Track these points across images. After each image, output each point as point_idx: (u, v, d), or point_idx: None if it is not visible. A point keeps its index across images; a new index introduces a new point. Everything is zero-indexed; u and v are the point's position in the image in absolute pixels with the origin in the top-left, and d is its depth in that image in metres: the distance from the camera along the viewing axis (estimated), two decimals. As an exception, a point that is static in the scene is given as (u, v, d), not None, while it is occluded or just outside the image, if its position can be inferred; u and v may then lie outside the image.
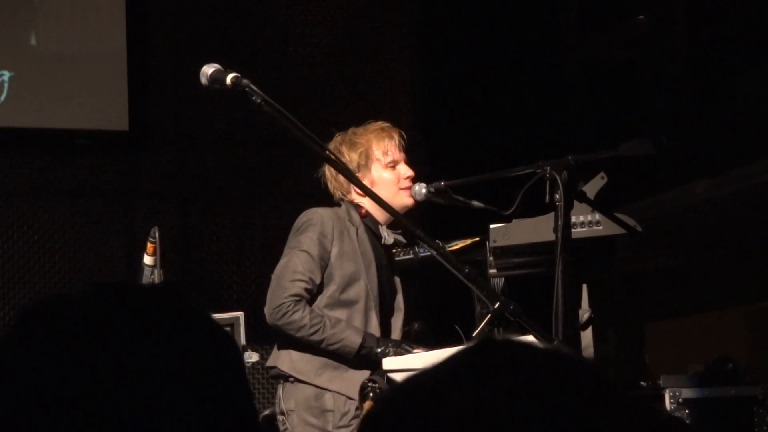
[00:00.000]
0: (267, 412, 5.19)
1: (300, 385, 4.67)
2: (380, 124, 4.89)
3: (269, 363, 4.80)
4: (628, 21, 8.17)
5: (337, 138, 4.84)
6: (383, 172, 4.80)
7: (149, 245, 5.02)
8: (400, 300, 4.90)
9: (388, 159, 4.80)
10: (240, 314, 5.76)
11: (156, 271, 4.99)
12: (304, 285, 4.61)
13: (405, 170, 4.81)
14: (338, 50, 7.82)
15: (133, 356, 1.20)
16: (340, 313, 4.66)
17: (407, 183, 4.78)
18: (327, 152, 3.74)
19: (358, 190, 4.71)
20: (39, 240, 7.20)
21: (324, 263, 4.68)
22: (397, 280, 4.93)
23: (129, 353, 1.20)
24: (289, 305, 4.57)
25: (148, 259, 5.02)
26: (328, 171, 4.80)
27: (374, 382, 4.48)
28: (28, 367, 1.21)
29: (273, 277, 4.69)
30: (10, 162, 7.21)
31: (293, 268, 4.62)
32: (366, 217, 4.80)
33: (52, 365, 1.20)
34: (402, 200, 4.72)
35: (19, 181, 7.21)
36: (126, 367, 1.19)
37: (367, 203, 4.78)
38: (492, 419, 1.05)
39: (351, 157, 4.75)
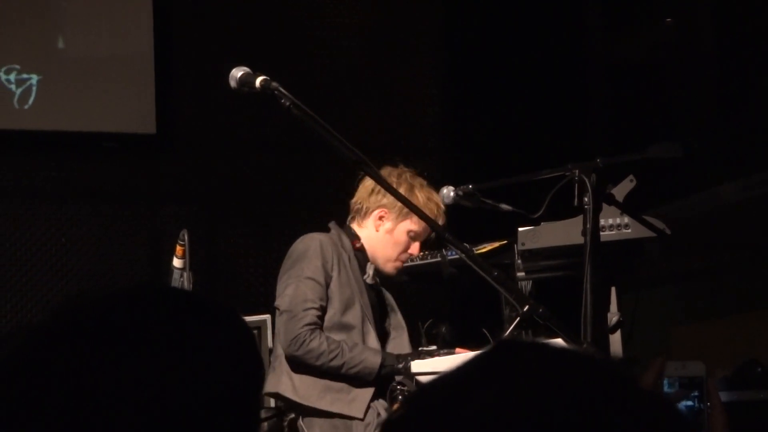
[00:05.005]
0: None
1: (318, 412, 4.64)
2: (436, 198, 4.73)
3: (269, 389, 4.69)
4: (654, 23, 8.15)
5: (392, 171, 4.75)
6: (402, 235, 4.79)
7: (178, 248, 5.01)
8: (400, 318, 4.90)
9: (415, 232, 4.79)
10: (267, 317, 5.76)
11: (185, 274, 4.99)
12: (316, 312, 4.61)
13: (415, 249, 4.83)
14: (366, 54, 7.83)
15: (172, 357, 1.21)
16: (339, 337, 4.64)
17: (405, 259, 4.83)
18: (358, 156, 3.70)
19: (365, 223, 4.77)
20: (66, 242, 7.22)
21: (327, 288, 4.68)
22: (390, 298, 4.93)
23: (167, 354, 1.21)
24: (306, 334, 4.56)
25: (177, 262, 5.01)
26: (368, 183, 4.76)
27: (402, 384, 4.48)
28: (65, 363, 1.21)
29: (282, 308, 4.67)
30: (38, 165, 7.23)
31: (303, 297, 4.62)
32: (359, 250, 4.81)
33: (92, 362, 1.21)
34: (389, 269, 4.79)
35: (47, 183, 7.24)
36: (163, 366, 1.20)
37: (366, 239, 4.80)
38: (510, 418, 1.05)
39: (397, 195, 4.37)
